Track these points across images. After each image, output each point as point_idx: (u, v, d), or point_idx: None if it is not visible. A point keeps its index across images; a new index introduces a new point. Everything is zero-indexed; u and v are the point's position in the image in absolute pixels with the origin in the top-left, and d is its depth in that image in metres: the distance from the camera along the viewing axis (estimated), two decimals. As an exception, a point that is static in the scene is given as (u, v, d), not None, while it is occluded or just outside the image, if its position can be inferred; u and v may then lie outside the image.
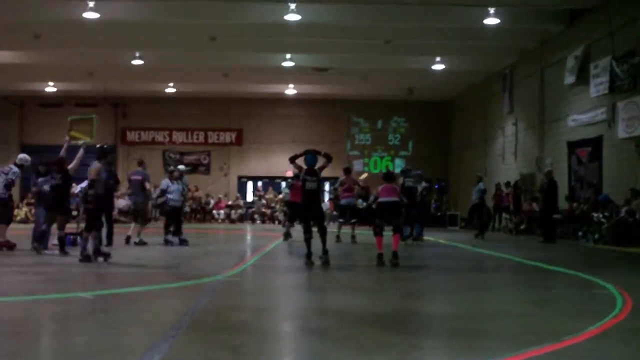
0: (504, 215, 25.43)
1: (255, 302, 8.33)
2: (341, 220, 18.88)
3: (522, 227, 24.18)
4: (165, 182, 17.16)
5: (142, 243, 16.13)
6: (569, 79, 21.84)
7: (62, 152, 13.99)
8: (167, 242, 16.37)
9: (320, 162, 12.41)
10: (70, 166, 13.77)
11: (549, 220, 20.04)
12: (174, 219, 16.87)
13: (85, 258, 12.16)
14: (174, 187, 16.89)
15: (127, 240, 16.40)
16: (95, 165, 12.71)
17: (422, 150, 35.88)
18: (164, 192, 17.00)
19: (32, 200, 22.98)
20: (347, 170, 19.01)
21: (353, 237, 18.11)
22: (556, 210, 20.38)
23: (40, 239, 13.88)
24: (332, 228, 17.67)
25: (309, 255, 11.98)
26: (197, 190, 33.78)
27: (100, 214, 13.14)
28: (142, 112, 35.92)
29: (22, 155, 15.26)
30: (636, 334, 6.36)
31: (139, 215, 16.78)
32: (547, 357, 5.24)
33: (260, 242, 18.84)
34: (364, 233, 18.39)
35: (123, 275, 10.81)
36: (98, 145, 13.44)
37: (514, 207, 24.43)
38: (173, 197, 16.79)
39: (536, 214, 23.40)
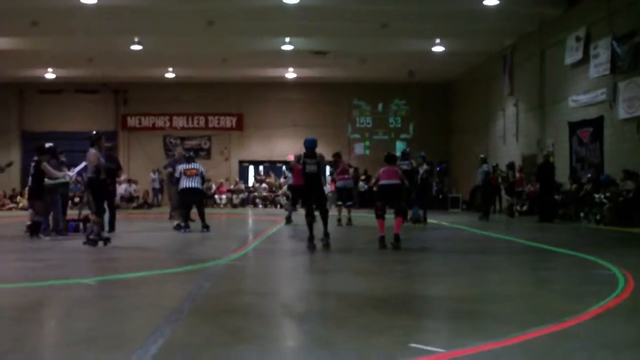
0: (505, 197, 25.33)
1: (257, 285, 8.34)
2: (339, 202, 18.80)
3: (524, 208, 24.17)
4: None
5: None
6: (570, 59, 21.76)
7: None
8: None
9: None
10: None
11: (544, 201, 20.06)
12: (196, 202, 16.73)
13: (91, 242, 12.28)
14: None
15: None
16: (92, 152, 12.71)
17: (423, 133, 35.82)
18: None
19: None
20: (338, 155, 18.97)
21: (349, 219, 18.12)
22: (553, 191, 20.42)
23: (39, 230, 14.21)
24: (333, 211, 17.66)
25: (310, 238, 11.98)
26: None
27: (104, 198, 13.27)
28: (142, 98, 35.81)
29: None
30: (638, 313, 6.37)
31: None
32: (549, 337, 5.25)
33: (262, 226, 18.83)
34: (364, 216, 18.39)
35: (125, 261, 10.82)
36: (94, 132, 13.43)
37: (508, 189, 24.27)
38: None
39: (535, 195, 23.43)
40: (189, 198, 16.25)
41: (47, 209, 14.52)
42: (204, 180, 16.57)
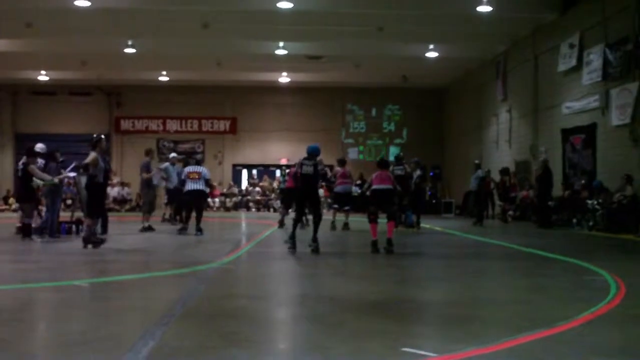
0: (497, 203, 25.30)
1: (250, 289, 8.33)
2: (336, 206, 18.87)
3: (517, 213, 24.16)
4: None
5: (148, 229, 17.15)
6: (562, 66, 21.81)
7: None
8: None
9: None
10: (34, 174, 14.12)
11: (544, 207, 20.16)
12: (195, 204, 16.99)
13: (94, 242, 12.33)
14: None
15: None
16: (92, 155, 12.74)
17: (417, 138, 35.80)
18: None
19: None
20: (342, 162, 19.03)
21: (346, 224, 18.13)
22: (550, 197, 20.54)
23: (30, 232, 14.20)
24: (327, 215, 17.63)
25: (292, 236, 12.07)
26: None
27: (102, 201, 13.37)
28: (136, 101, 35.74)
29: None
30: (629, 319, 6.38)
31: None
32: (541, 342, 5.26)
33: (255, 230, 18.82)
34: (359, 220, 18.39)
35: (118, 263, 10.80)
36: (95, 135, 13.52)
37: (502, 194, 24.22)
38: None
39: (529, 200, 23.42)
40: (192, 199, 16.55)
41: (49, 210, 14.51)
42: (208, 183, 16.88)
